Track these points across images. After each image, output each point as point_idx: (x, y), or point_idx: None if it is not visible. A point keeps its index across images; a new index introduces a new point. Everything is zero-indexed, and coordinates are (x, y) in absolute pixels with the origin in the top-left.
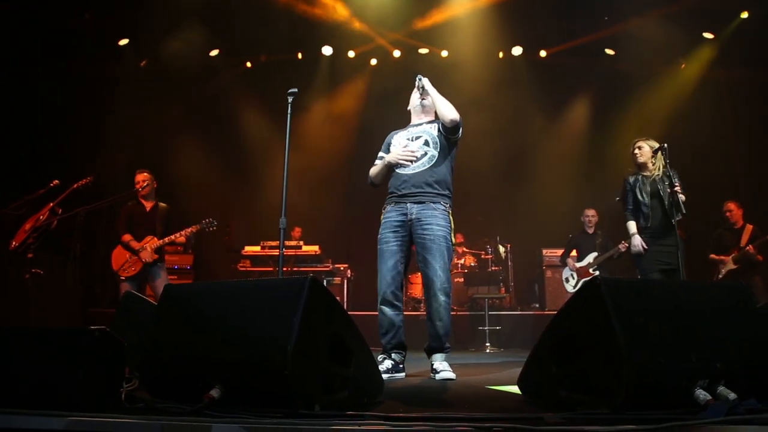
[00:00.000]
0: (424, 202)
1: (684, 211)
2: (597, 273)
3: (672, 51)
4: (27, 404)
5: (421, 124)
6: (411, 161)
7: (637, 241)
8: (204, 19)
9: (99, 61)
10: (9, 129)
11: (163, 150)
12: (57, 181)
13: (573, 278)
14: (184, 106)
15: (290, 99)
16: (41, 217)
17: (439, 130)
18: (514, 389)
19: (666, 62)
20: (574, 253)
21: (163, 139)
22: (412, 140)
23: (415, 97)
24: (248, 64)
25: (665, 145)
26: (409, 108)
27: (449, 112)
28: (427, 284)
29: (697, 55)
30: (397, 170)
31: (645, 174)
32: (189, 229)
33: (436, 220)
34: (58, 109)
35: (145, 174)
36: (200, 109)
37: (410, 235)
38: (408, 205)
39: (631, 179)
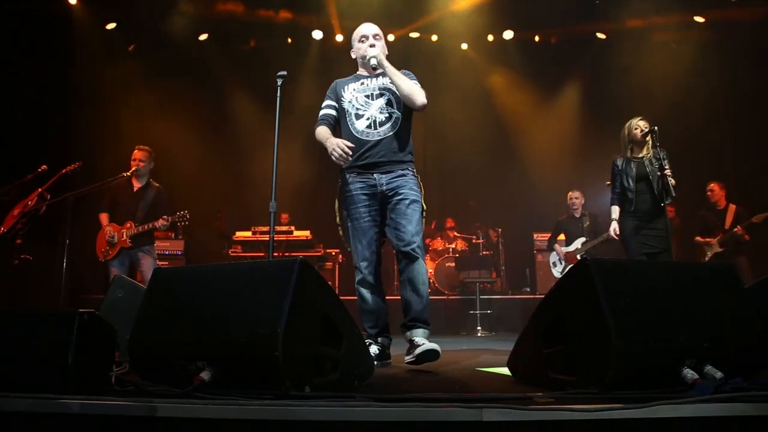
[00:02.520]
0: (393, 171)
1: (674, 195)
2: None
3: (663, 34)
4: (15, 387)
5: (378, 76)
6: (343, 161)
7: (612, 227)
8: (193, 2)
9: (86, 45)
10: None
11: (152, 135)
12: (45, 167)
13: (560, 263)
14: (173, 91)
15: (279, 82)
16: (30, 202)
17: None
18: (505, 371)
19: (657, 46)
20: (561, 237)
21: (151, 124)
22: (373, 98)
23: (362, 48)
24: (238, 49)
25: (655, 128)
26: (354, 57)
27: (416, 98)
28: (402, 246)
29: (688, 36)
30: (356, 135)
31: (635, 156)
32: (160, 220)
33: (409, 185)
34: (46, 93)
35: (143, 152)
36: (189, 93)
37: (382, 209)
38: (375, 175)
39: (620, 162)
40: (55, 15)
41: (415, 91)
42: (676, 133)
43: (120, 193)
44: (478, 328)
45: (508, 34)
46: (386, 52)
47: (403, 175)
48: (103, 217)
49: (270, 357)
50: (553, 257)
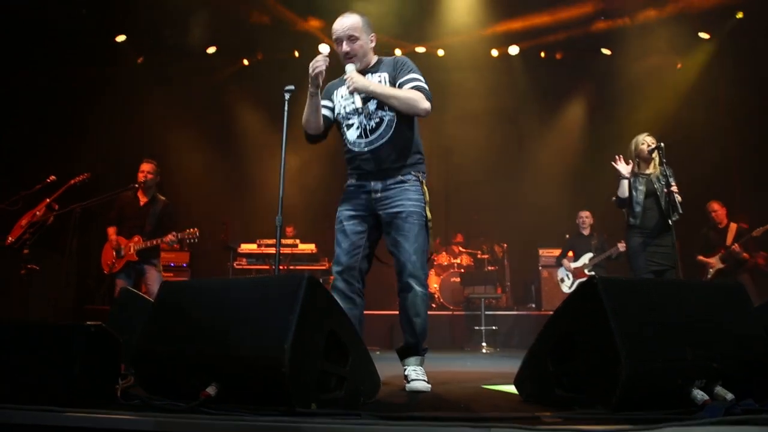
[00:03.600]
0: (391, 177)
1: (681, 212)
2: (592, 273)
3: (668, 50)
4: (21, 400)
5: (365, 74)
6: (316, 72)
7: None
8: (202, 16)
9: (96, 56)
10: (5, 124)
11: (159, 147)
12: (53, 177)
13: (568, 278)
14: (180, 104)
15: (287, 96)
16: (37, 212)
17: (391, 83)
18: (511, 389)
19: (662, 61)
20: (570, 254)
21: (159, 136)
22: (361, 101)
23: (340, 54)
24: (245, 62)
25: (662, 144)
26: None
27: (417, 107)
28: (399, 271)
29: (693, 54)
30: (350, 146)
31: (643, 172)
32: (169, 236)
33: (407, 194)
34: (55, 104)
35: (152, 165)
36: (197, 106)
37: (376, 219)
38: (371, 183)
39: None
40: (65, 27)
41: (412, 102)
42: (680, 148)
43: (127, 207)
44: (483, 344)
45: (513, 50)
46: (371, 43)
47: (403, 182)
48: (111, 231)
49: (276, 373)
50: (561, 273)
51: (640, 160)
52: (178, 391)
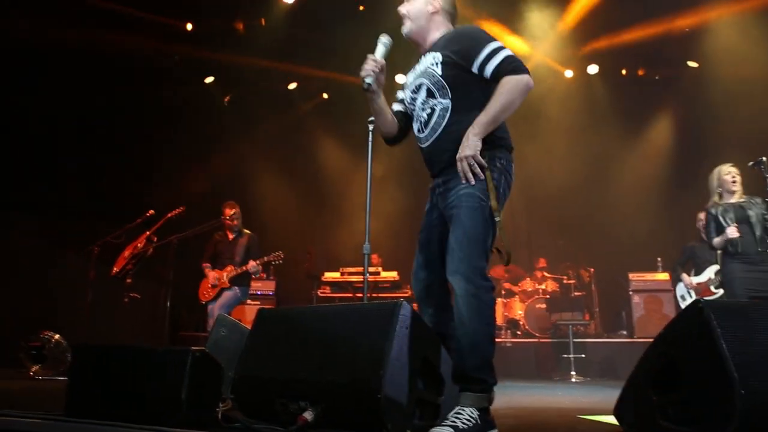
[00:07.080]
0: (452, 170)
1: None
2: (720, 291)
3: (763, 56)
4: (132, 420)
5: (427, 53)
6: (369, 76)
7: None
8: (283, 55)
9: (188, 97)
10: (108, 166)
11: (246, 179)
12: (152, 211)
13: (690, 296)
14: (265, 137)
15: (371, 127)
16: (138, 244)
17: (443, 62)
18: (610, 419)
19: (756, 69)
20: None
21: (245, 169)
22: (416, 92)
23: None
24: (325, 96)
25: (763, 158)
26: None
27: (522, 95)
28: (447, 275)
29: None
30: (417, 141)
31: (727, 201)
32: (251, 263)
33: (464, 182)
34: (153, 144)
35: (233, 209)
36: (281, 139)
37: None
38: (436, 179)
39: (713, 210)
40: (161, 70)
41: (514, 94)
42: None
43: (219, 245)
44: (573, 372)
45: (592, 69)
46: (430, 8)
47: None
48: (207, 267)
49: (372, 399)
50: (681, 290)
51: (723, 191)
52: (276, 415)
